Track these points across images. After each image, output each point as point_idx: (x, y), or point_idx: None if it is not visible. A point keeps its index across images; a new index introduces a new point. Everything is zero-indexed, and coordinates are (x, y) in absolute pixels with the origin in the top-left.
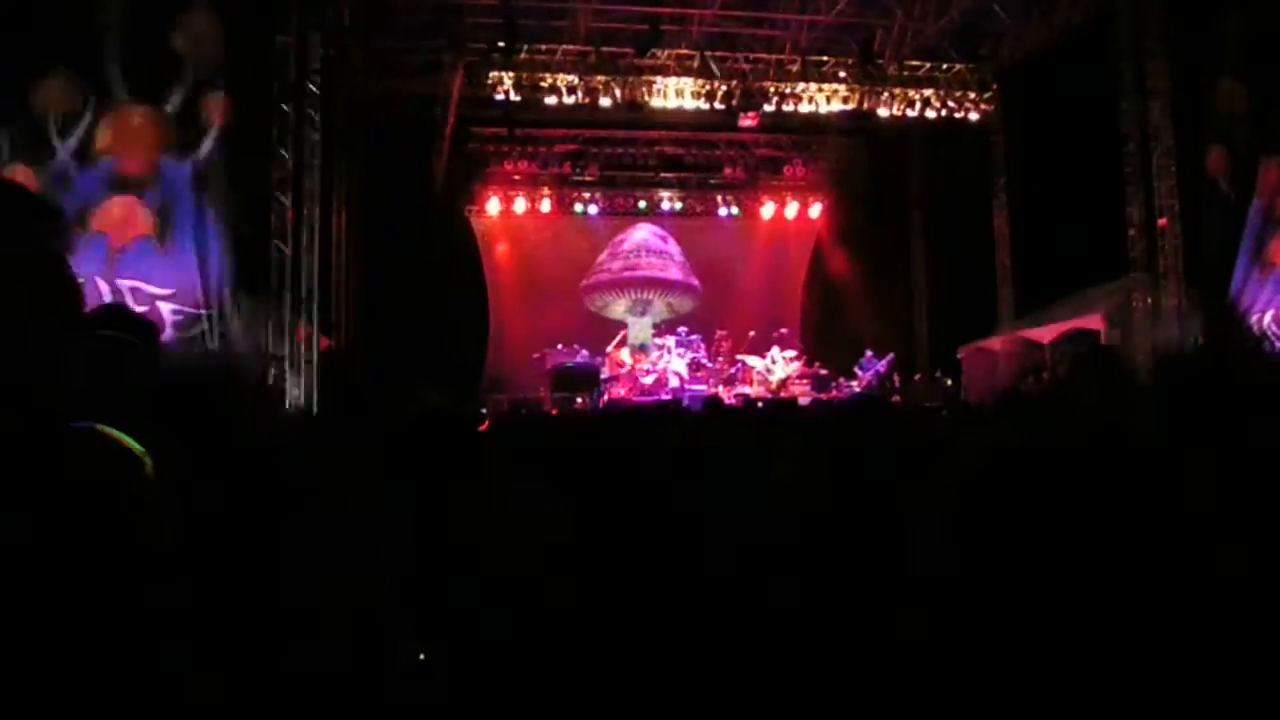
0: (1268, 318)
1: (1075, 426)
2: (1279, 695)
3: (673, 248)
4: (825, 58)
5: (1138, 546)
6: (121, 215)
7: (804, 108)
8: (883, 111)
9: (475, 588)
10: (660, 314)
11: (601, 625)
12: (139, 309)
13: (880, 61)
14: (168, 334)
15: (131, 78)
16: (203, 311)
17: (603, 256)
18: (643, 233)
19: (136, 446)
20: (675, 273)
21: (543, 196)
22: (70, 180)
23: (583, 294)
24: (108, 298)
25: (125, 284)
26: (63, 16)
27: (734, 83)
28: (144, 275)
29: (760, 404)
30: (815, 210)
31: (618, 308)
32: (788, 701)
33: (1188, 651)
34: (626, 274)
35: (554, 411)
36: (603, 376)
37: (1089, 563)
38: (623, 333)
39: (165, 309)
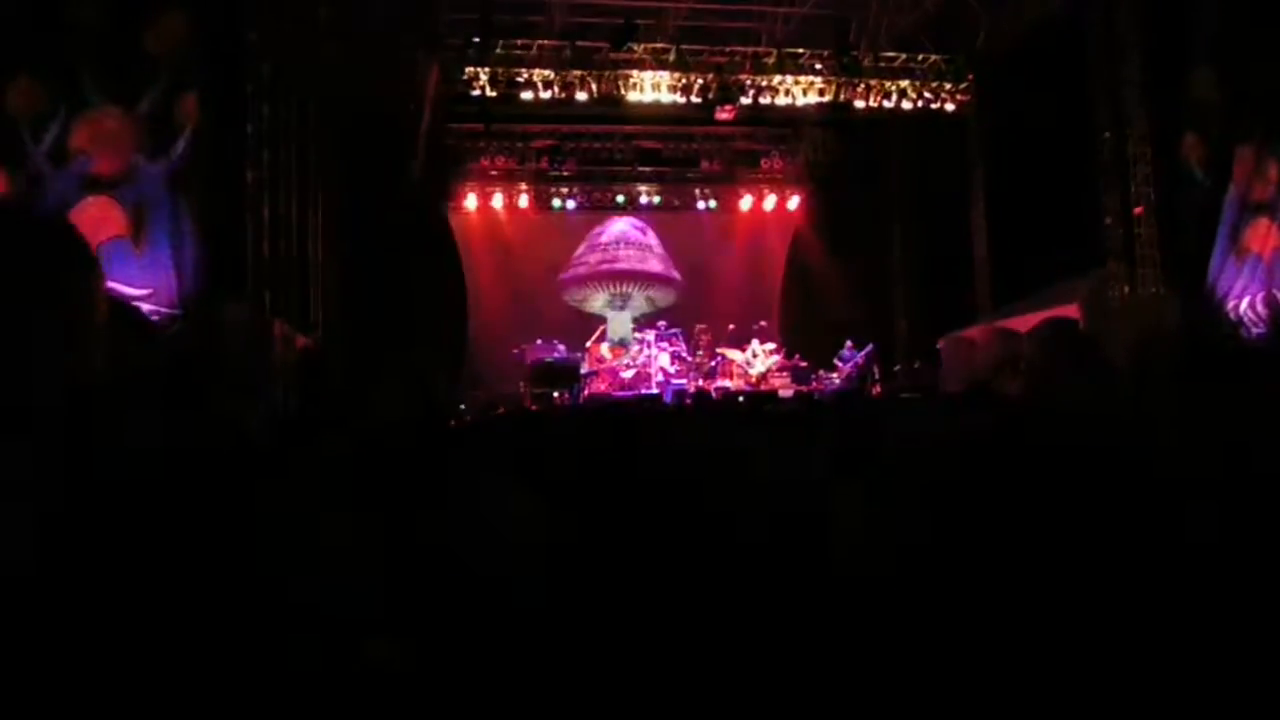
0: (1244, 304)
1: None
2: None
3: (652, 240)
4: (801, 50)
5: (1101, 536)
6: (96, 216)
7: (781, 100)
8: (859, 103)
9: (448, 588)
10: (640, 308)
11: (575, 626)
12: None
13: (856, 53)
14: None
15: (104, 78)
16: (179, 312)
17: (581, 249)
18: (621, 225)
19: None
20: (655, 265)
21: (520, 192)
22: (44, 182)
23: (560, 288)
24: None
25: None
26: (33, 18)
27: (710, 76)
28: (120, 276)
29: (741, 398)
30: (793, 203)
31: (596, 301)
32: (760, 700)
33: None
34: (605, 267)
35: (533, 407)
36: (583, 371)
37: (1051, 555)
38: (602, 327)
39: (141, 309)
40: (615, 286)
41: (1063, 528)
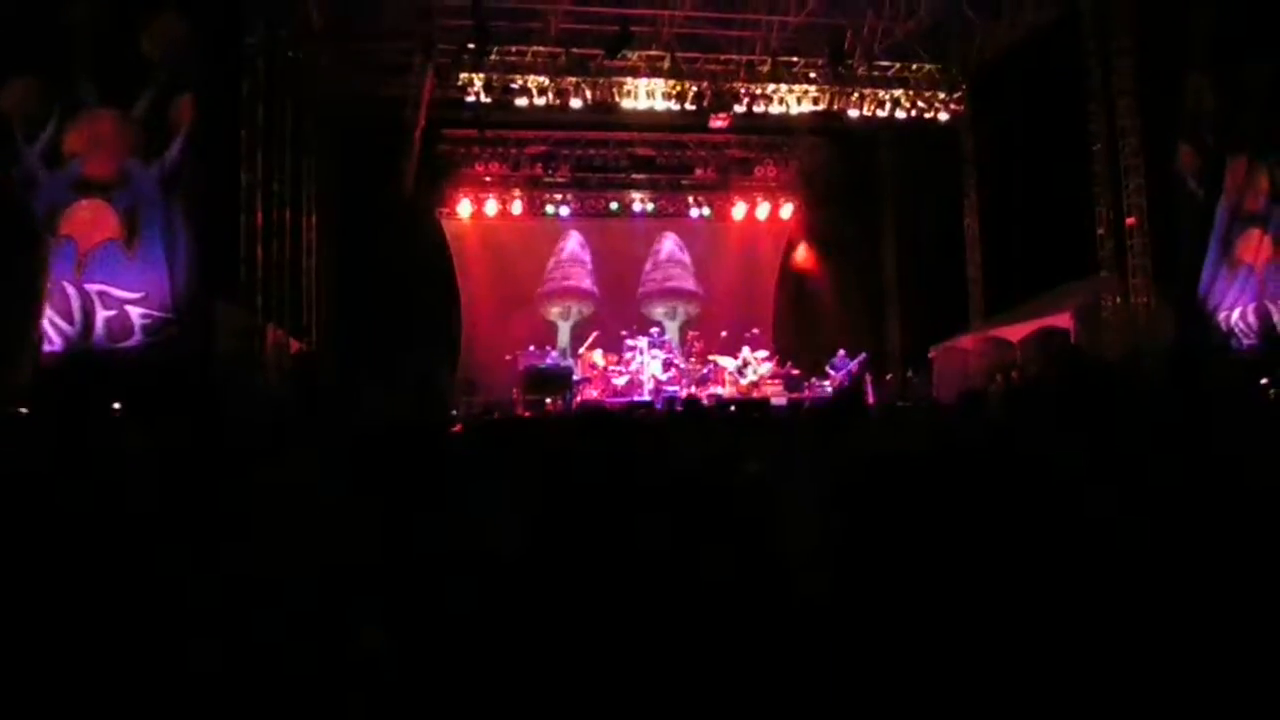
0: (1235, 315)
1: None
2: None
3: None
4: (795, 58)
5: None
6: (89, 219)
7: (774, 108)
8: (853, 112)
9: (443, 587)
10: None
11: (561, 627)
12: (107, 313)
13: (850, 62)
14: (137, 338)
15: (99, 81)
16: (172, 315)
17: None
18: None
19: None
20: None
21: (514, 198)
22: (38, 184)
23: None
24: (75, 302)
25: (93, 288)
26: (29, 20)
27: (704, 84)
28: (112, 279)
29: (733, 406)
30: (786, 211)
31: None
32: (740, 700)
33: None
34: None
35: (526, 414)
36: (575, 378)
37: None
38: (595, 334)
39: (134, 313)
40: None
41: (1051, 536)
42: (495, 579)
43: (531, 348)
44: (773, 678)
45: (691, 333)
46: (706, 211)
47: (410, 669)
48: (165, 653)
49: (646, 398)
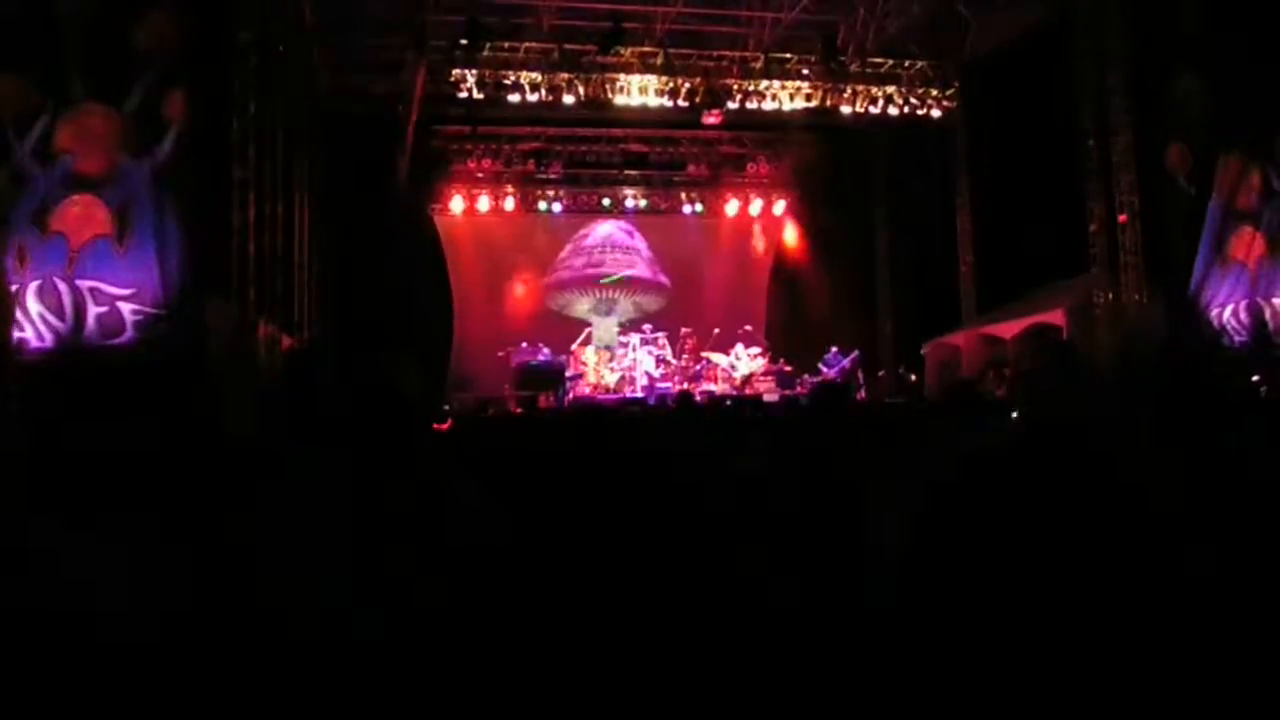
0: (1227, 312)
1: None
2: (1244, 691)
3: (640, 243)
4: (788, 55)
5: (1100, 546)
6: (80, 215)
7: (767, 105)
8: (845, 109)
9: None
10: (626, 313)
11: (556, 625)
12: (99, 309)
13: (843, 59)
14: (128, 334)
15: (90, 76)
16: (163, 311)
17: (565, 252)
18: (607, 227)
19: None
20: (643, 270)
21: (507, 194)
22: (28, 180)
23: (544, 292)
24: (66, 298)
25: (84, 284)
26: (19, 15)
27: (697, 80)
28: (103, 275)
29: (728, 402)
30: (779, 207)
31: (581, 306)
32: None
33: (1153, 649)
34: (590, 271)
35: (518, 410)
36: (567, 375)
37: (1052, 563)
38: (587, 330)
39: (125, 309)
40: (601, 291)
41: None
42: (488, 577)
43: (524, 344)
44: (765, 680)
45: (684, 329)
46: (699, 208)
47: (406, 667)
48: (168, 655)
49: (639, 394)
